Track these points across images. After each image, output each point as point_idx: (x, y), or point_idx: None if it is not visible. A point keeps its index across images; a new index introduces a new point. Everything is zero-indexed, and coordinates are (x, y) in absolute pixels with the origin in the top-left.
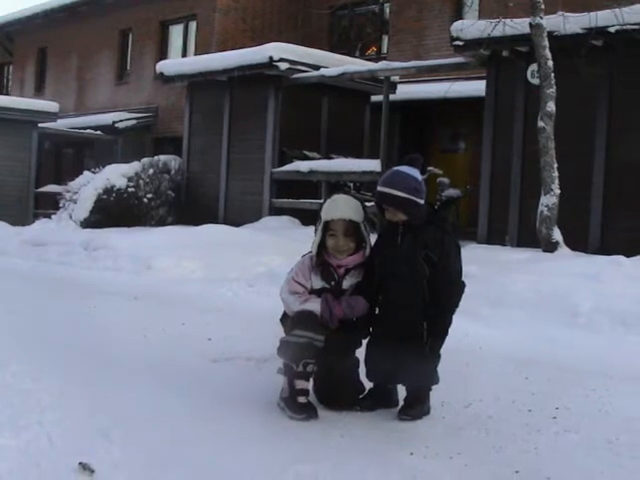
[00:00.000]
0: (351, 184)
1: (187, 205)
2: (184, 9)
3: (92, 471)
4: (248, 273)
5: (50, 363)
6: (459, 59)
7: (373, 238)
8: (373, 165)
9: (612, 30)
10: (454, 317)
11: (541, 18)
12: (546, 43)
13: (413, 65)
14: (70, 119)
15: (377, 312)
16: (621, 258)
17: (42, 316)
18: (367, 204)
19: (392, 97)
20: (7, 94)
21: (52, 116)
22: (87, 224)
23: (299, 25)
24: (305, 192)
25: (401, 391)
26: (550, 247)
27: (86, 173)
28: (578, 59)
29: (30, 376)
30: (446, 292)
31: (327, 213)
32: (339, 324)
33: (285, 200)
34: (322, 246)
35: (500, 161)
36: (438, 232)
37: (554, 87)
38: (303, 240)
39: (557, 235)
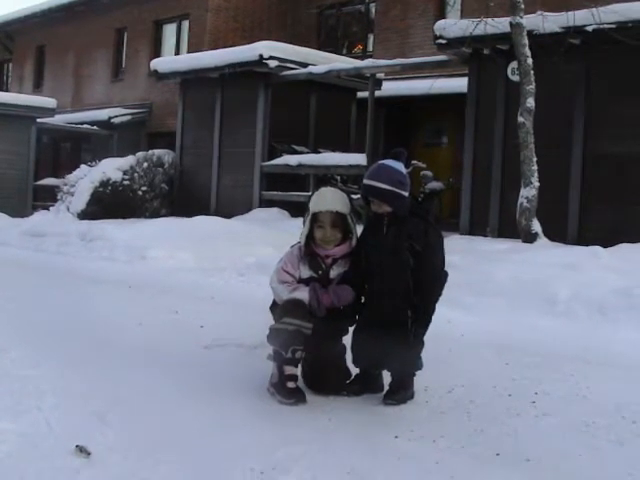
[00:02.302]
0: (338, 177)
1: (180, 197)
2: (177, 9)
3: (88, 453)
4: (239, 263)
5: (48, 350)
6: (442, 57)
7: (359, 229)
8: (359, 159)
9: (589, 29)
10: (437, 305)
11: (521, 17)
12: (526, 41)
13: (398, 63)
14: (67, 115)
15: (363, 300)
16: (598, 248)
17: (41, 304)
18: (353, 196)
19: (377, 93)
20: (7, 91)
21: (50, 112)
22: (84, 216)
23: (288, 24)
24: (294, 185)
25: (386, 377)
26: (530, 238)
27: (83, 167)
28: (557, 57)
29: (29, 363)
30: (430, 281)
31: (315, 205)
32: (326, 312)
33: (274, 193)
34: (310, 237)
35: (481, 155)
36: (422, 223)
37: (533, 84)
38: (292, 231)
39: (536, 226)
